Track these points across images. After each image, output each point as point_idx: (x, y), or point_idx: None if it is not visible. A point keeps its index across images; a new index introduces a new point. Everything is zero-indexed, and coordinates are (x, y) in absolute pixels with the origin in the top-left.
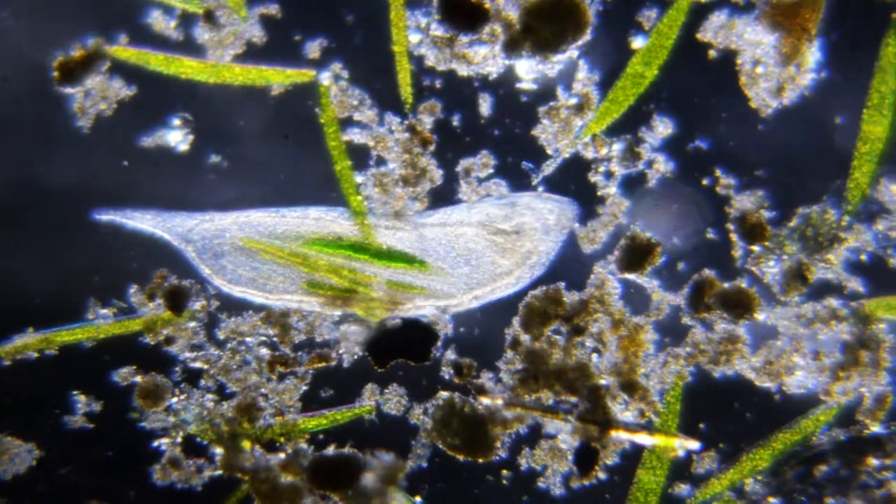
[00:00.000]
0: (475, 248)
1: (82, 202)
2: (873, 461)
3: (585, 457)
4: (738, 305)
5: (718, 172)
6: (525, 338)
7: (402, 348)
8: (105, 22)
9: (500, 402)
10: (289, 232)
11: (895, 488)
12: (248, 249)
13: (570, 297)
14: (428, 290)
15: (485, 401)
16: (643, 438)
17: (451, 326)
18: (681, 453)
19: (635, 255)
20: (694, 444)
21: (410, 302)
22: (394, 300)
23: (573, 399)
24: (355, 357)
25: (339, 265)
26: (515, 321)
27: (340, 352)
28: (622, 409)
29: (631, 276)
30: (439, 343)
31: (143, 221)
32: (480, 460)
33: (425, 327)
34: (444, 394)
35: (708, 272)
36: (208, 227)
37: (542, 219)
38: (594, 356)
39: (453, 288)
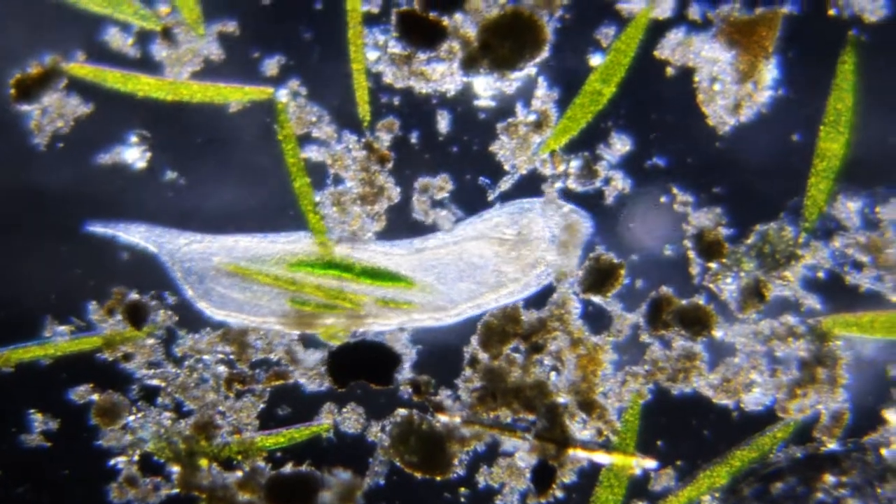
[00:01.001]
0: (478, 261)
1: (46, 217)
2: (830, 478)
3: (543, 475)
4: (696, 323)
5: (676, 189)
6: (483, 356)
7: (363, 370)
8: (62, 39)
9: (457, 419)
10: (275, 256)
11: None
12: (234, 274)
13: (529, 316)
14: (418, 305)
15: (443, 418)
16: (601, 457)
17: (413, 351)
18: (638, 472)
19: (599, 276)
20: (651, 463)
21: (401, 317)
22: (382, 316)
23: (531, 417)
24: (314, 379)
25: (326, 286)
26: (474, 339)
27: (299, 375)
28: (580, 428)
29: (594, 298)
30: (402, 366)
31: (134, 235)
32: (438, 478)
33: (388, 350)
34: (402, 411)
35: (665, 289)
36: (196, 248)
37: (549, 228)
38: (552, 374)
39: (445, 301)
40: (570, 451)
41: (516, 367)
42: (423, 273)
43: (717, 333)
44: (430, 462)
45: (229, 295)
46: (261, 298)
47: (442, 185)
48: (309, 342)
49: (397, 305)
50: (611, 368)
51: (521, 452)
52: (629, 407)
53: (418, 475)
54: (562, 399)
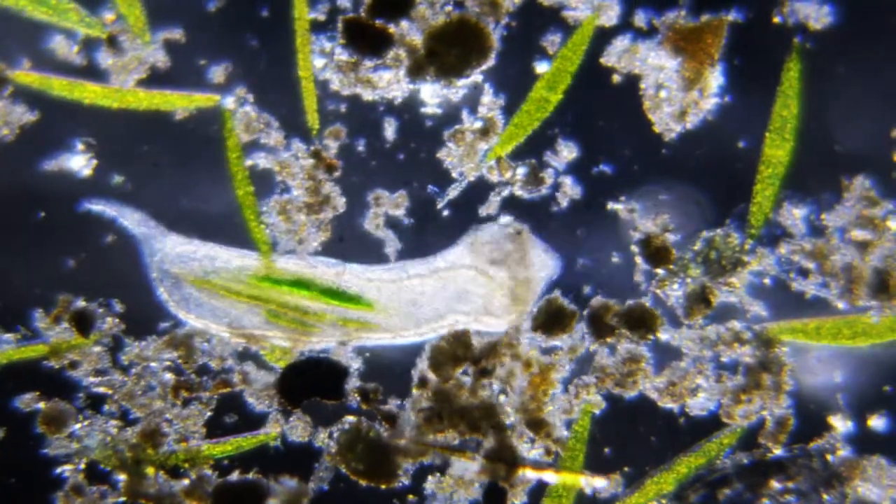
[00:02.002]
0: (468, 287)
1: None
2: (776, 484)
3: (494, 497)
4: (641, 325)
5: (622, 196)
6: (432, 378)
7: (313, 386)
8: (7, 46)
9: (404, 441)
10: (242, 269)
11: None
12: (200, 286)
13: (479, 341)
14: (380, 325)
15: (389, 439)
16: (550, 476)
17: (359, 362)
18: (588, 491)
19: (550, 319)
20: (601, 482)
21: (363, 336)
22: (347, 335)
23: (479, 438)
24: (263, 399)
25: (288, 302)
26: (420, 361)
27: (248, 395)
28: (528, 448)
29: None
30: (350, 378)
31: (128, 219)
32: (383, 486)
33: (335, 364)
34: (350, 418)
35: (602, 298)
36: (179, 252)
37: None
38: (502, 397)
39: (406, 324)
40: (520, 472)
41: (464, 390)
42: (393, 299)
43: (663, 337)
44: (376, 470)
45: (202, 300)
46: (236, 307)
47: (399, 200)
48: (260, 363)
49: (359, 325)
50: (559, 386)
51: (470, 473)
52: (580, 418)
53: (363, 482)
54: (510, 420)
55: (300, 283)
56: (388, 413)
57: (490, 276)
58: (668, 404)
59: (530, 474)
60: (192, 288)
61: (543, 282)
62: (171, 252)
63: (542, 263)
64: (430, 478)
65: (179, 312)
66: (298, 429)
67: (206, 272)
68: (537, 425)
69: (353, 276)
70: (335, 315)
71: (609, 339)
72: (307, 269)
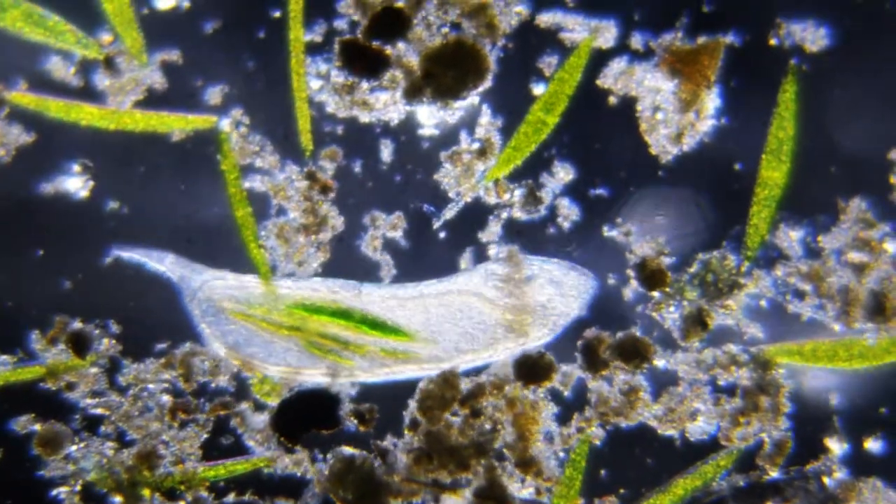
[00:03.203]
0: (479, 315)
1: None
2: None
3: None
4: (635, 355)
5: (619, 219)
6: (422, 420)
7: (309, 420)
8: (3, 67)
9: (396, 478)
10: (279, 299)
11: None
12: (239, 320)
13: (466, 383)
14: (420, 355)
15: (382, 474)
16: None
17: (351, 388)
18: None
19: (532, 371)
20: None
21: (404, 366)
22: (389, 367)
23: (469, 477)
24: (262, 442)
25: (327, 333)
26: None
27: (249, 441)
28: (519, 487)
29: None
30: (343, 406)
31: (161, 263)
32: None
33: (327, 393)
34: (344, 448)
35: (594, 330)
36: (216, 286)
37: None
38: (492, 436)
39: (446, 352)
40: None
41: (454, 430)
42: (420, 322)
43: (659, 363)
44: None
45: (241, 333)
46: (275, 339)
47: (395, 222)
48: (256, 405)
49: (402, 356)
50: (553, 424)
51: None
52: (577, 447)
53: None
54: (500, 459)
55: (340, 313)
56: (382, 449)
57: (492, 302)
58: (669, 431)
59: None
60: (233, 321)
61: (582, 302)
62: (208, 287)
63: (577, 285)
64: None
65: (221, 348)
66: (296, 461)
67: (243, 304)
68: (526, 464)
69: (374, 297)
70: (377, 346)
71: (604, 372)
72: (329, 294)
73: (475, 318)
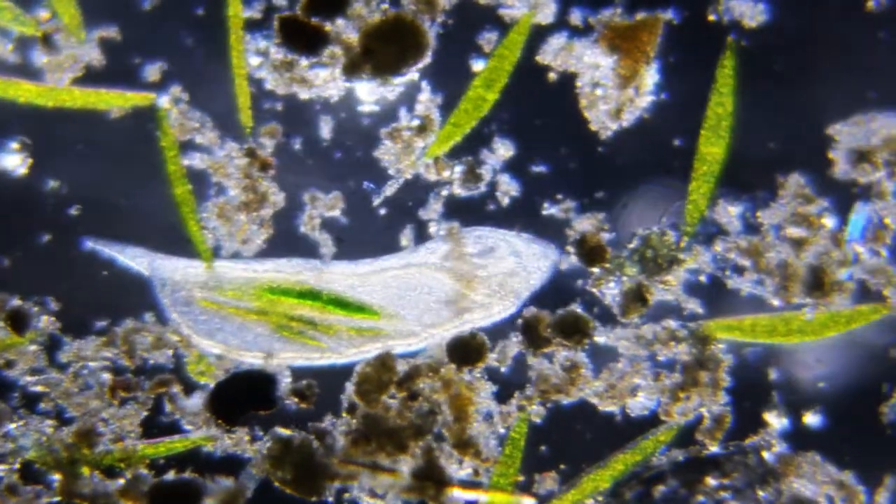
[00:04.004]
0: (437, 285)
1: None
2: (711, 481)
3: None
4: (575, 331)
5: (558, 195)
6: (359, 403)
7: (246, 401)
8: None
9: (334, 460)
10: (250, 283)
11: None
12: (210, 309)
13: (402, 365)
14: (388, 332)
15: (320, 456)
16: (479, 497)
17: (286, 369)
18: None
19: (465, 352)
20: (529, 502)
21: (372, 344)
22: (359, 346)
23: (408, 458)
24: (199, 424)
25: (295, 315)
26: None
27: (186, 424)
28: (457, 469)
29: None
30: (280, 386)
31: (131, 257)
32: (311, 500)
33: (263, 374)
34: (281, 430)
35: (533, 309)
36: (185, 275)
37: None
38: (430, 418)
39: (411, 327)
40: (448, 492)
41: (392, 413)
42: (384, 298)
43: (599, 338)
44: (303, 484)
45: (214, 321)
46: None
47: (333, 202)
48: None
49: (371, 333)
50: (493, 403)
51: (399, 493)
52: (516, 425)
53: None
54: (438, 441)
55: (308, 294)
56: (320, 430)
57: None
58: (610, 408)
59: (459, 494)
60: (203, 309)
61: (546, 272)
62: (177, 276)
63: (539, 254)
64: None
65: (193, 336)
66: (235, 440)
67: (212, 289)
68: (464, 445)
69: (335, 275)
70: (346, 325)
71: (546, 350)
72: (292, 275)
73: (435, 293)
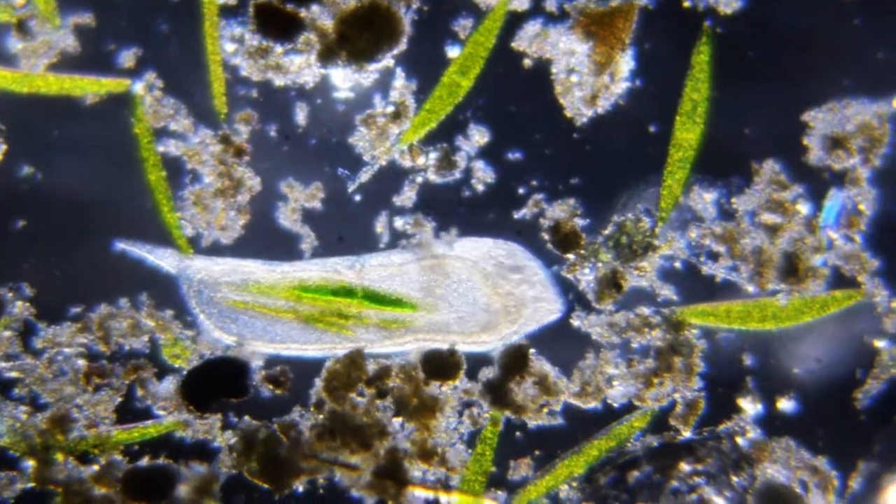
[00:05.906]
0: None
1: None
2: (685, 467)
3: None
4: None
5: (533, 181)
6: (327, 399)
7: (218, 388)
8: None
9: (299, 454)
10: (278, 281)
11: (706, 493)
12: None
13: (372, 365)
14: (421, 323)
15: (286, 450)
16: (442, 497)
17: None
18: None
19: (439, 368)
20: None
21: (404, 337)
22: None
23: (371, 456)
24: (170, 409)
25: (328, 310)
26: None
27: (158, 409)
28: (422, 473)
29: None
30: (253, 375)
31: (161, 257)
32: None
33: (236, 361)
34: (250, 420)
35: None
36: (212, 275)
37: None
38: (395, 419)
39: (449, 318)
40: (410, 491)
41: (359, 410)
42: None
43: (573, 324)
44: (269, 476)
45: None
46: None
47: (314, 193)
48: (161, 371)
49: (401, 325)
50: (455, 417)
51: (361, 490)
52: (488, 425)
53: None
54: (402, 444)
55: (343, 292)
56: (287, 424)
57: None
58: (591, 404)
59: (420, 494)
60: (231, 308)
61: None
62: (205, 277)
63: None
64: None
65: (223, 336)
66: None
67: (241, 290)
68: (427, 455)
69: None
70: (377, 318)
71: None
72: (331, 274)
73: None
